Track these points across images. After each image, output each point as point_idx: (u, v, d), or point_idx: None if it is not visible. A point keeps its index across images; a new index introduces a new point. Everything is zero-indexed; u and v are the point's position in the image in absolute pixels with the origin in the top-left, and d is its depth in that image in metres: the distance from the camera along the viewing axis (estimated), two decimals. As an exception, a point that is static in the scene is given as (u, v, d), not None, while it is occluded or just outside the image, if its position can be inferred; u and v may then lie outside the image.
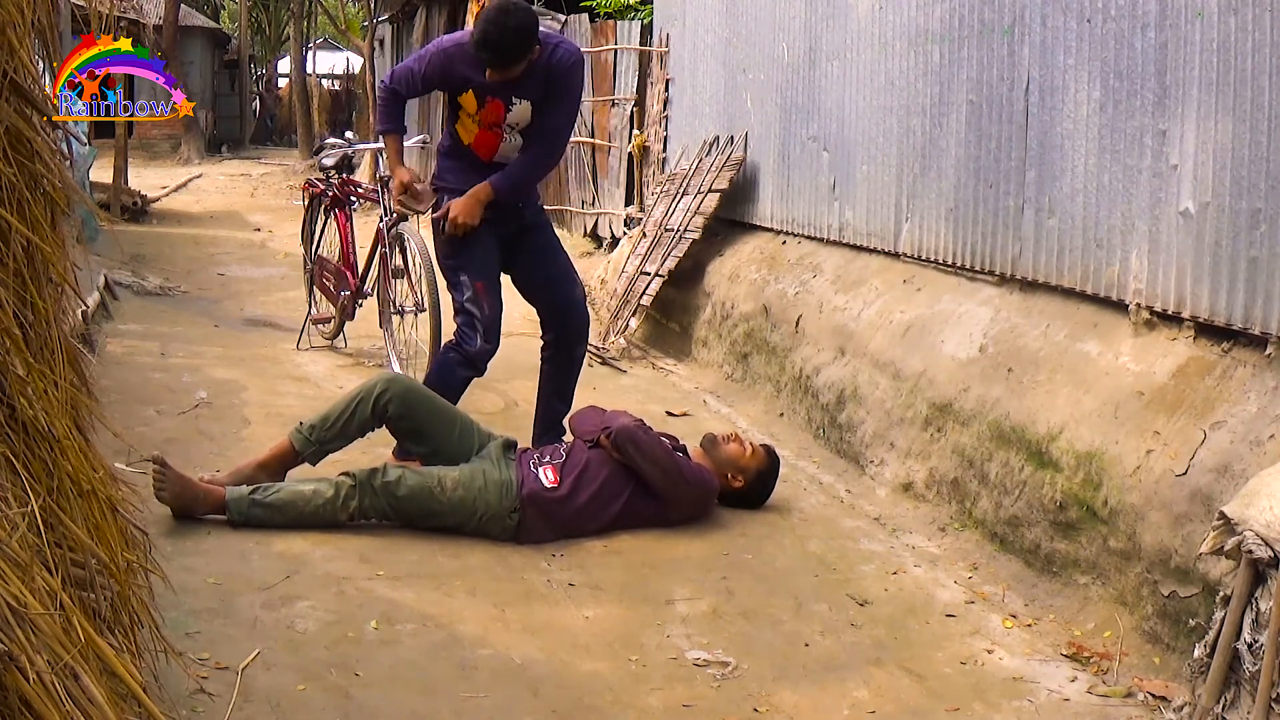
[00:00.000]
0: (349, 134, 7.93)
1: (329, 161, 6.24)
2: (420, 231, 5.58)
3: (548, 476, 3.74)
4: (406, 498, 3.61)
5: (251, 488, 3.60)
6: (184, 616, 2.88)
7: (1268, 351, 3.11)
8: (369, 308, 6.15)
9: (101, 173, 11.66)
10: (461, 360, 4.28)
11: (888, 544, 3.93)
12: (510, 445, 3.90)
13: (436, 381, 4.29)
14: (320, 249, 6.52)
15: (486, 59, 4.01)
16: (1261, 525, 2.48)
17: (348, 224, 6.20)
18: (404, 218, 5.67)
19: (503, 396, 5.45)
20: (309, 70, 28.06)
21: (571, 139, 9.89)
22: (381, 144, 4.84)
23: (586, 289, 6.54)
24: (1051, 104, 4.04)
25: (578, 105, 4.47)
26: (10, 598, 1.41)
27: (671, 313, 6.97)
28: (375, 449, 4.13)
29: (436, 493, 3.63)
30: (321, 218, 6.49)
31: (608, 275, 7.43)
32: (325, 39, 35.96)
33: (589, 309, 4.78)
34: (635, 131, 8.54)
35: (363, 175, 11.34)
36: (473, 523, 3.65)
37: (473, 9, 11.97)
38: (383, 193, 5.79)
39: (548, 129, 4.30)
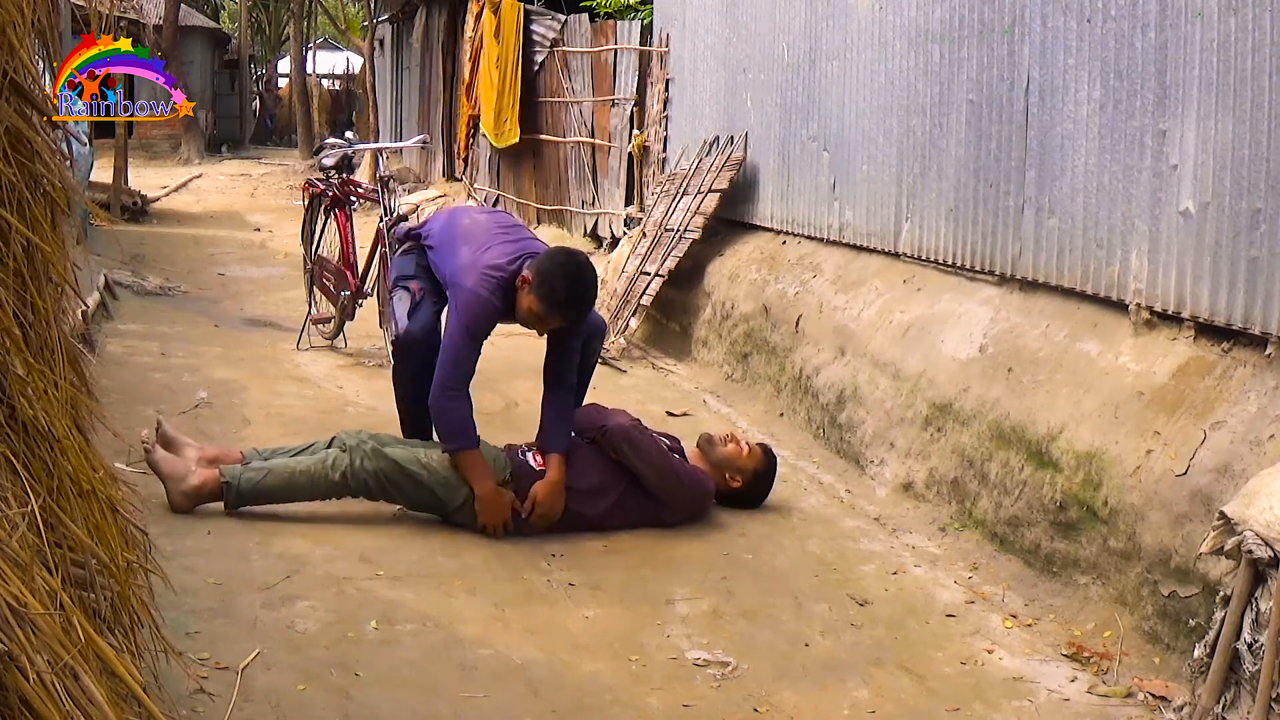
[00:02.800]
0: (349, 134, 7.95)
1: (329, 161, 6.24)
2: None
3: (536, 460, 3.82)
4: (395, 460, 3.67)
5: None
6: (184, 616, 2.88)
7: (1268, 351, 3.11)
8: (369, 308, 6.15)
9: (101, 173, 11.66)
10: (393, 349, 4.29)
11: (888, 544, 3.93)
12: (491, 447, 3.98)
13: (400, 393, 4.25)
14: (320, 249, 6.52)
15: (573, 318, 3.79)
16: (1261, 525, 2.48)
17: (348, 224, 6.20)
18: (404, 217, 5.66)
19: (503, 396, 5.45)
20: (309, 70, 28.05)
21: (572, 139, 9.89)
22: (378, 143, 4.83)
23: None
24: (1051, 104, 4.04)
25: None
26: (10, 598, 1.41)
27: (671, 313, 6.96)
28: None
29: (422, 459, 3.71)
30: (321, 218, 6.50)
31: (608, 275, 7.42)
32: (325, 39, 35.94)
33: (602, 316, 4.72)
34: (635, 131, 8.53)
35: (363, 175, 11.33)
36: (459, 498, 3.68)
37: (473, 9, 11.97)
38: (383, 193, 5.79)
39: (574, 373, 4.03)
